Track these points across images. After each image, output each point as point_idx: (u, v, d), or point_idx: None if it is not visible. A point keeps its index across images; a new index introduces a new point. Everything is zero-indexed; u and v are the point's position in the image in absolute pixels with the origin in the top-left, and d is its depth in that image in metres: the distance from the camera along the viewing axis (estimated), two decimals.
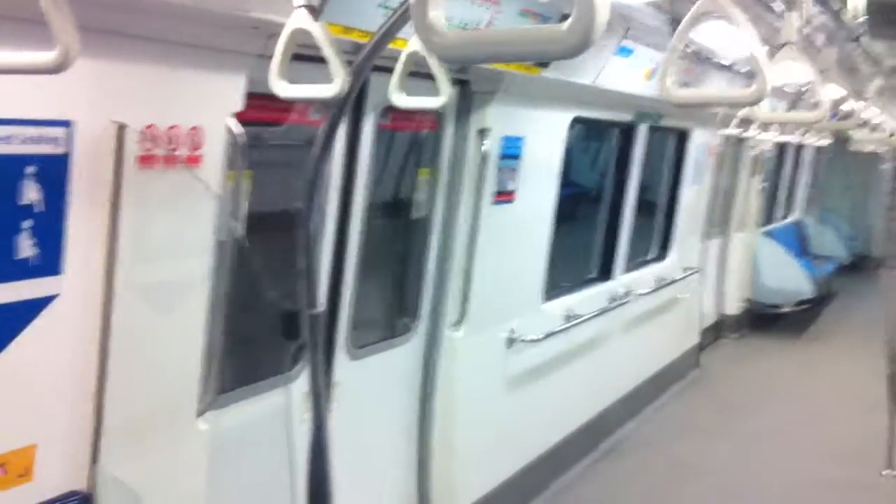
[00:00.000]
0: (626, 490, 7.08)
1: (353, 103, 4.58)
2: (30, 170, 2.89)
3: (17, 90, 2.77)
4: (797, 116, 6.84)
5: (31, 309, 2.97)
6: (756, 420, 8.87)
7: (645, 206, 9.18)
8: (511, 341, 6.19)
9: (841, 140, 14.06)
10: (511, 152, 5.73)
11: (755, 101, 2.60)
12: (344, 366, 4.90)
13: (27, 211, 2.90)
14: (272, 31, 2.78)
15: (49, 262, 3.00)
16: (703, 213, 10.75)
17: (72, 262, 3.05)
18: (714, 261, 11.77)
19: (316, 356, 3.31)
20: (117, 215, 3.15)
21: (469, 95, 5.44)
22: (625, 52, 5.97)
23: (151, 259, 3.36)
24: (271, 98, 2.86)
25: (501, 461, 6.28)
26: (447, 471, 5.69)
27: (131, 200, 3.18)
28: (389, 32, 2.90)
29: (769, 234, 13.27)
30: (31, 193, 2.91)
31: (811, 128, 10.30)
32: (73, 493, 3.18)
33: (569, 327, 6.95)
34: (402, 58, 3.06)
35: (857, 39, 5.81)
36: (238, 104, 3.55)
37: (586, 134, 9.00)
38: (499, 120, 5.51)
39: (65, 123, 2.96)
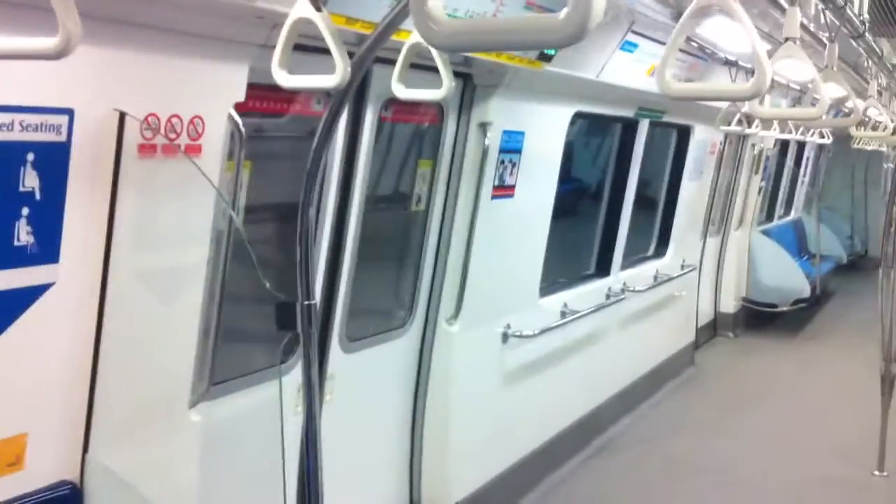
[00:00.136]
0: (619, 486, 7.08)
1: (355, 95, 4.57)
2: (30, 157, 2.87)
3: (18, 77, 2.75)
4: (796, 113, 6.81)
5: (26, 297, 2.95)
6: (751, 418, 8.87)
7: (645, 203, 9.17)
8: (507, 336, 6.17)
9: (843, 138, 14.06)
10: (511, 147, 5.71)
11: (753, 96, 2.59)
12: (338, 358, 4.88)
13: (26, 198, 2.88)
14: (276, 21, 2.76)
15: (46, 250, 2.98)
16: (702, 211, 10.75)
17: (69, 251, 3.04)
18: (711, 258, 11.77)
19: (309, 348, 3.29)
20: (116, 204, 3.14)
21: (471, 89, 5.41)
22: (629, 46, 5.95)
23: (148, 248, 3.34)
24: (273, 88, 2.84)
25: (495, 456, 6.28)
26: (440, 465, 5.68)
27: (130, 189, 3.16)
28: (392, 23, 2.87)
29: (767, 233, 13.27)
30: (30, 181, 2.89)
31: (811, 125, 10.27)
32: (63, 483, 3.17)
33: (565, 323, 6.94)
34: (405, 49, 3.04)
35: (860, 36, 5.78)
36: (240, 94, 3.53)
37: (587, 129, 8.98)
38: (500, 114, 5.49)
39: (66, 111, 2.94)
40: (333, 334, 4.84)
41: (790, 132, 11.06)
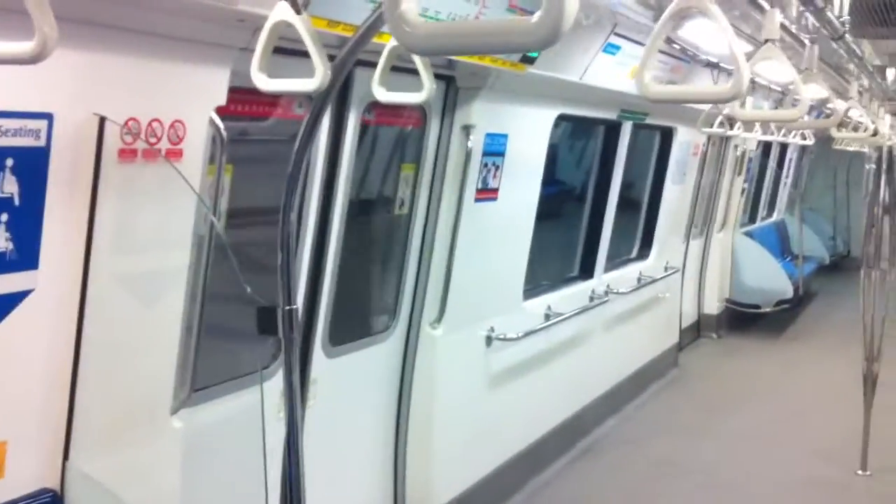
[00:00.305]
0: (604, 488, 7.08)
1: (337, 98, 4.55)
2: (8, 162, 2.84)
3: None
4: (776, 114, 6.84)
5: (5, 304, 2.92)
6: (735, 419, 8.90)
7: (629, 205, 9.18)
8: (490, 339, 6.17)
9: (825, 140, 14.10)
10: (495, 149, 5.71)
11: (732, 98, 2.58)
12: (321, 363, 4.86)
13: (4, 204, 2.85)
14: (257, 24, 2.74)
15: (25, 257, 2.95)
16: (686, 213, 10.77)
17: (48, 257, 3.01)
18: (695, 260, 11.80)
19: (290, 353, 3.27)
20: (96, 209, 3.11)
21: (454, 91, 5.41)
22: (612, 48, 5.95)
23: (129, 254, 3.32)
24: (255, 92, 2.82)
25: (479, 459, 6.27)
26: (424, 469, 5.67)
27: (111, 194, 3.14)
28: (373, 26, 2.86)
29: (750, 234, 13.31)
30: (8, 186, 2.86)
31: (791, 126, 10.31)
32: (44, 491, 3.14)
33: (549, 325, 6.94)
34: (385, 52, 3.03)
35: (841, 38, 5.79)
36: (221, 98, 3.51)
37: (571, 132, 8.98)
38: (483, 117, 5.48)
39: (45, 116, 2.91)
40: (316, 339, 4.82)
41: (772, 134, 11.10)
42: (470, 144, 5.42)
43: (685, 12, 2.51)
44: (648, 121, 8.45)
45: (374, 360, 5.42)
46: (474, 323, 6.03)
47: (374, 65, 3.09)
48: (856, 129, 7.85)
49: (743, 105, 6.38)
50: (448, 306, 5.58)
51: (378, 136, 5.33)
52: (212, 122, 3.50)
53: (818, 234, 16.85)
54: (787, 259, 14.71)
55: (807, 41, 4.84)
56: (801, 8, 4.85)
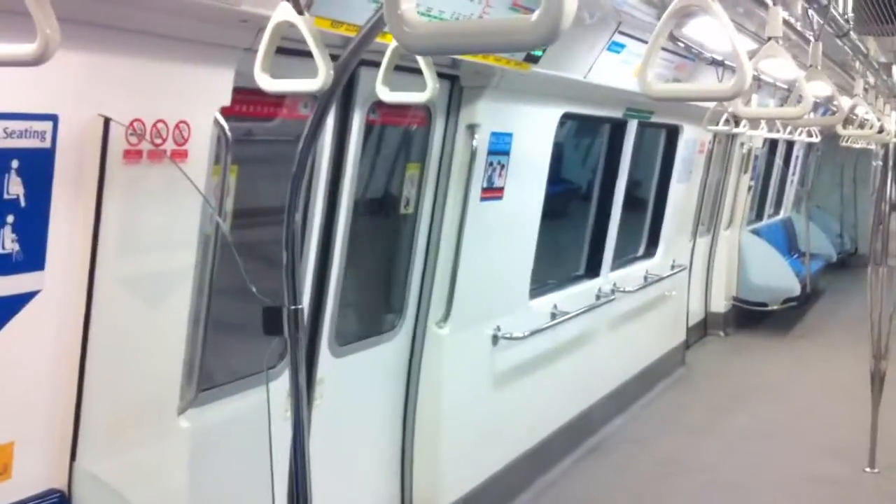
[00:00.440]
0: (611, 487, 7.08)
1: (342, 98, 4.56)
2: (14, 164, 2.85)
3: (1, 84, 2.73)
4: (780, 112, 6.81)
5: (12, 305, 2.94)
6: (742, 417, 8.89)
7: (635, 203, 9.18)
8: (497, 338, 6.17)
9: (832, 137, 14.09)
10: (500, 148, 5.71)
11: (734, 96, 2.58)
12: (328, 362, 4.87)
13: (10, 206, 2.87)
14: (261, 25, 2.75)
15: (32, 258, 2.96)
16: (692, 211, 10.76)
17: (54, 258, 3.02)
18: (701, 258, 11.79)
19: (296, 352, 3.28)
20: (101, 210, 3.12)
21: (458, 91, 5.41)
22: (616, 47, 5.95)
23: (135, 255, 3.33)
24: (260, 92, 2.83)
25: (486, 458, 6.27)
26: (431, 468, 5.67)
27: (116, 195, 3.15)
28: (376, 27, 2.87)
29: (756, 232, 13.29)
30: (14, 188, 2.87)
31: (796, 123, 10.30)
32: (52, 491, 3.15)
33: (555, 324, 6.93)
34: (388, 52, 3.03)
35: (845, 35, 5.79)
36: (225, 99, 3.52)
37: (576, 130, 8.99)
38: (488, 116, 5.48)
39: (50, 117, 2.93)
40: (323, 338, 4.83)
41: (778, 131, 11.08)
42: (475, 143, 5.43)
43: (687, 10, 2.51)
44: (654, 119, 8.44)
45: (381, 359, 5.42)
46: (480, 322, 6.04)
47: (378, 65, 3.10)
48: (862, 126, 7.84)
49: (748, 103, 6.38)
50: (454, 305, 5.58)
51: (383, 136, 5.34)
52: (216, 122, 3.51)
53: (825, 232, 16.83)
54: (795, 257, 14.70)
55: (811, 38, 4.83)
56: (805, 5, 4.86)
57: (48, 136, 2.92)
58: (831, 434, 8.34)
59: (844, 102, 5.91)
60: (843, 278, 16.16)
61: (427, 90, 3.03)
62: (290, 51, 2.78)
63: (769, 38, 3.44)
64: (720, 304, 12.33)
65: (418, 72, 3.05)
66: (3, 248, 2.86)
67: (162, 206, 3.37)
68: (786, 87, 9.04)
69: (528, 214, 6.43)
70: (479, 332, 6.04)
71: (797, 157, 16.45)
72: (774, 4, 3.57)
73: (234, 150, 3.67)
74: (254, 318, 3.42)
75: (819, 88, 4.92)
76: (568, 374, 7.43)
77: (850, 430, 7.94)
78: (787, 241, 15.02)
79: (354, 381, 5.17)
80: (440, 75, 4.24)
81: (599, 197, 8.38)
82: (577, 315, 7.27)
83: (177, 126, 3.31)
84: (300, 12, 2.54)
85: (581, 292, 7.69)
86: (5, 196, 2.84)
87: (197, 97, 3.42)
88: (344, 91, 4.54)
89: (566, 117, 6.71)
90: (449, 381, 5.69)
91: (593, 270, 8.18)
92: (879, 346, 7.71)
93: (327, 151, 4.58)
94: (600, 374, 8.25)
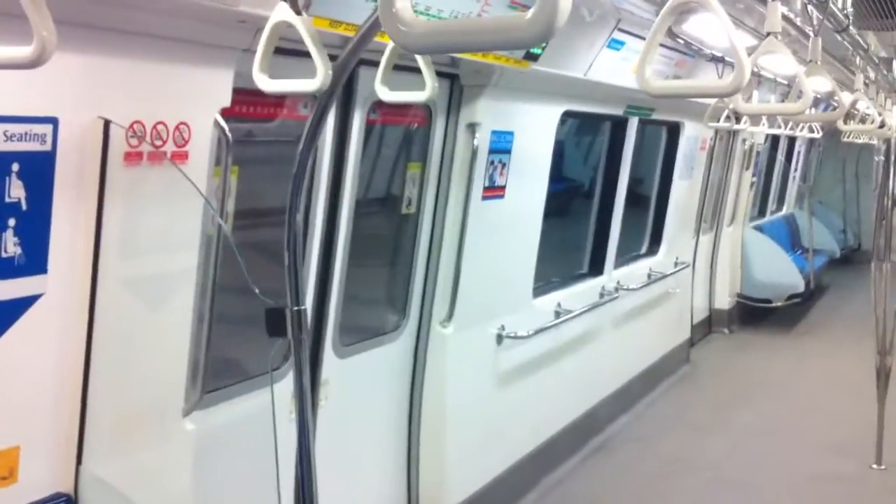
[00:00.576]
0: (617, 485, 7.07)
1: (342, 98, 4.56)
2: (15, 167, 2.85)
3: (1, 87, 2.73)
4: (780, 108, 6.82)
5: (15, 308, 2.93)
6: (748, 415, 8.88)
7: (637, 200, 9.17)
8: (501, 337, 6.16)
9: (834, 132, 14.08)
10: (501, 147, 5.71)
11: (733, 92, 2.58)
12: (332, 363, 4.87)
13: (12, 209, 2.87)
14: (259, 25, 2.75)
15: (34, 261, 2.96)
16: (694, 208, 10.75)
17: (57, 261, 3.02)
18: (705, 255, 11.78)
19: (300, 353, 3.28)
20: (103, 213, 3.12)
21: (459, 90, 5.41)
22: (616, 44, 5.95)
23: (137, 257, 3.33)
24: (260, 93, 2.83)
25: (492, 458, 6.26)
26: (436, 468, 5.67)
27: (117, 197, 3.15)
28: (374, 26, 2.86)
29: (759, 229, 13.28)
30: (15, 191, 2.87)
31: (796, 119, 10.30)
32: (58, 495, 3.15)
33: (559, 323, 6.93)
34: (387, 51, 3.03)
35: (845, 30, 5.79)
36: (225, 100, 3.52)
37: (578, 128, 8.98)
38: (488, 114, 5.48)
39: (50, 120, 2.93)
40: (327, 339, 4.82)
41: (780, 127, 11.08)
42: (476, 142, 5.42)
43: (685, 7, 2.51)
44: (655, 116, 8.43)
45: (385, 359, 5.42)
46: (484, 321, 6.03)
47: (378, 64, 3.10)
48: (863, 121, 7.83)
49: (749, 99, 6.37)
50: (458, 305, 5.58)
51: (383, 136, 5.34)
52: (217, 123, 3.51)
53: (828, 228, 16.82)
54: (798, 253, 14.68)
55: (811, 34, 4.83)
56: (805, 0, 4.85)
57: (48, 139, 2.92)
58: (837, 431, 8.32)
59: (845, 98, 5.92)
60: (846, 274, 16.15)
61: (426, 89, 3.03)
62: (290, 51, 2.78)
63: (768, 34, 3.43)
64: (724, 301, 12.32)
65: (418, 71, 3.05)
66: (6, 251, 2.86)
67: (163, 208, 3.37)
68: (786, 83, 9.04)
69: (530, 213, 6.42)
70: (483, 331, 6.04)
71: (799, 152, 16.43)
72: (773, 0, 3.56)
73: (235, 151, 3.66)
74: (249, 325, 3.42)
75: (819, 84, 4.92)
76: (572, 372, 7.42)
77: (856, 426, 7.93)
78: (790, 238, 15.01)
79: (359, 381, 5.17)
80: (440, 74, 4.24)
81: (602, 195, 8.38)
82: (581, 313, 7.26)
83: (177, 128, 3.31)
84: (298, 12, 2.54)
85: (584, 290, 7.69)
86: (6, 199, 2.84)
87: (197, 98, 3.42)
88: (344, 91, 4.54)
89: (567, 115, 6.70)
90: (453, 380, 5.69)
91: (596, 268, 8.17)
92: (884, 342, 7.70)
93: (328, 152, 4.58)
94: (605, 373, 8.24)
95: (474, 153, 5.43)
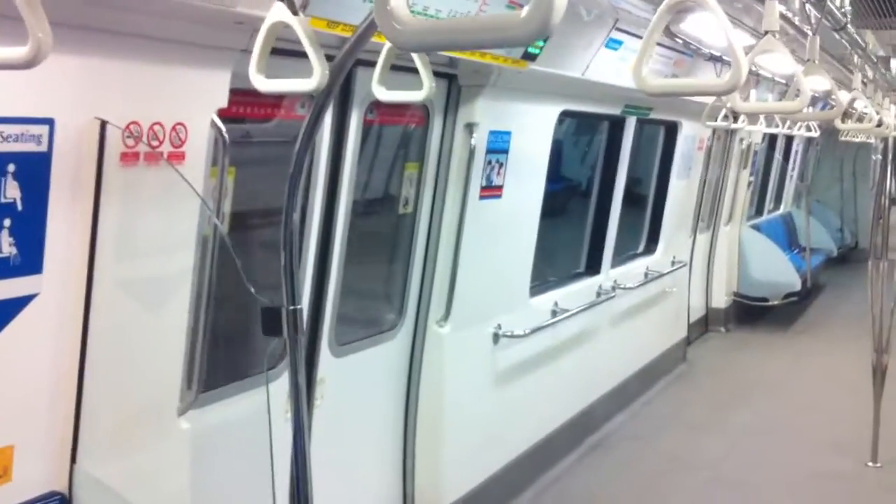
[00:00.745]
0: (613, 484, 7.08)
1: (339, 98, 4.56)
2: (10, 168, 2.85)
3: None
4: (778, 106, 6.81)
5: (10, 308, 2.94)
6: (744, 413, 8.88)
7: (635, 200, 9.17)
8: (498, 337, 6.17)
9: (831, 131, 14.09)
10: (498, 147, 5.71)
11: (730, 90, 2.58)
12: (328, 362, 4.87)
13: (7, 209, 2.87)
14: (256, 26, 2.75)
15: (29, 261, 2.96)
16: (692, 207, 10.75)
17: (52, 261, 3.02)
18: (702, 254, 11.78)
19: (296, 353, 3.28)
20: (99, 213, 3.12)
21: (456, 89, 5.41)
22: (614, 44, 5.95)
23: (133, 257, 3.33)
24: (257, 94, 2.83)
25: (488, 456, 6.27)
26: (433, 467, 5.67)
27: (113, 198, 3.15)
28: (371, 26, 2.86)
29: (757, 228, 13.29)
30: (11, 192, 2.87)
31: (794, 118, 10.30)
32: (52, 494, 3.15)
33: (556, 322, 6.93)
34: (384, 51, 3.03)
35: (842, 28, 5.80)
36: (222, 100, 3.52)
37: (575, 128, 8.97)
38: (486, 114, 5.48)
39: (46, 121, 2.93)
40: (323, 338, 4.83)
41: (777, 126, 11.08)
42: (473, 142, 5.42)
43: (682, 5, 2.51)
44: (653, 115, 8.43)
45: (382, 358, 5.42)
46: (481, 320, 6.04)
47: (375, 65, 3.10)
48: (860, 119, 7.83)
49: (747, 98, 6.38)
50: (454, 304, 5.58)
51: (381, 136, 5.33)
52: (213, 124, 3.51)
53: (825, 226, 16.82)
54: (795, 251, 14.69)
55: (809, 33, 4.84)
56: None
57: (45, 140, 2.92)
58: (833, 429, 8.33)
59: (843, 96, 5.92)
60: (843, 273, 16.16)
61: (423, 89, 3.03)
62: (287, 52, 2.78)
63: (766, 33, 3.43)
64: (721, 300, 12.33)
65: (416, 71, 3.05)
66: (1, 251, 2.86)
67: (160, 209, 3.37)
68: (784, 82, 9.04)
69: (527, 212, 6.43)
70: (480, 330, 6.04)
71: (796, 151, 16.44)
72: None
73: (232, 151, 3.66)
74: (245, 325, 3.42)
75: (817, 83, 4.91)
76: (569, 371, 7.43)
77: (853, 424, 7.94)
78: (787, 236, 15.02)
79: (355, 381, 5.17)
80: (437, 74, 4.25)
81: (599, 194, 8.38)
82: (578, 312, 7.26)
83: (173, 128, 3.31)
84: (295, 13, 2.54)
85: (581, 289, 7.69)
86: (2, 200, 2.84)
87: (193, 99, 3.42)
88: (341, 91, 4.54)
89: (565, 115, 6.70)
90: (450, 379, 5.69)
91: (594, 268, 8.17)
92: (881, 341, 7.70)
93: (325, 152, 4.58)
94: (602, 372, 8.24)
95: (472, 153, 5.43)
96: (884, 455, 7.43)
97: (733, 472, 7.37)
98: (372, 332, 5.40)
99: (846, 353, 10.35)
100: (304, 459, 3.28)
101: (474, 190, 5.56)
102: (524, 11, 1.35)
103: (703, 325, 12.10)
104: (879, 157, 9.79)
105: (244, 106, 3.99)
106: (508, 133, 5.79)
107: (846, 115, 7.16)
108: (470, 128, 5.42)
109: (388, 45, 3.03)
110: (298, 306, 3.23)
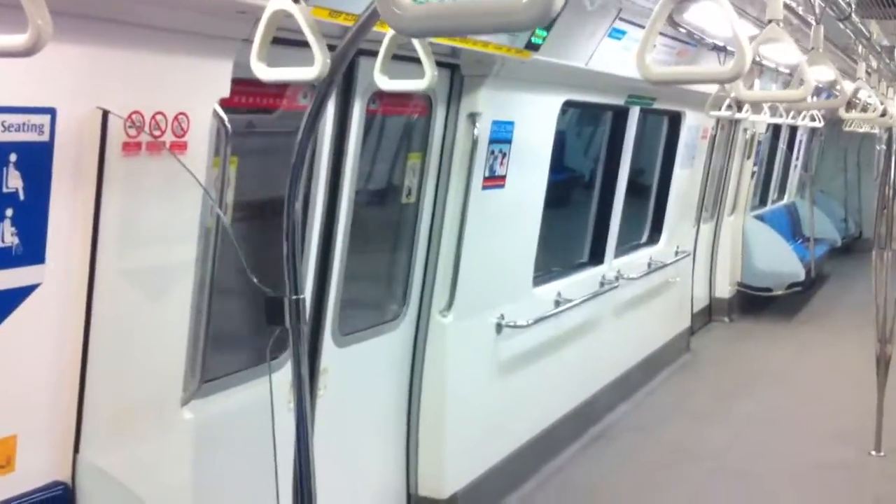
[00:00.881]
0: (616, 474, 7.08)
1: (342, 88, 4.55)
2: (12, 157, 2.85)
3: (0, 78, 2.73)
4: (781, 95, 6.80)
5: (13, 298, 2.94)
6: (748, 403, 8.88)
7: (638, 190, 9.16)
8: (501, 327, 6.16)
9: (835, 121, 14.05)
10: (501, 137, 5.70)
11: (733, 78, 2.57)
12: (331, 352, 4.87)
13: (9, 199, 2.87)
14: (258, 15, 2.74)
15: (31, 251, 2.96)
16: (695, 197, 10.74)
17: (55, 251, 3.02)
18: (705, 244, 11.77)
19: (298, 343, 3.28)
20: (101, 203, 3.12)
21: (459, 79, 5.40)
22: (617, 34, 5.94)
23: (136, 247, 3.33)
24: (259, 83, 2.83)
25: (491, 447, 6.27)
26: (436, 457, 5.68)
27: (115, 188, 3.15)
28: (374, 15, 2.85)
29: (760, 217, 13.27)
30: (13, 181, 2.87)
31: (798, 107, 10.28)
32: (55, 484, 3.16)
33: (559, 312, 6.92)
34: (386, 40, 3.02)
35: (847, 18, 5.78)
36: (224, 90, 3.51)
37: (579, 118, 8.96)
38: (489, 104, 5.47)
39: (48, 111, 2.92)
40: (326, 328, 4.83)
41: (781, 116, 11.06)
42: (476, 132, 5.42)
43: None
44: (656, 105, 8.42)
45: (385, 348, 5.42)
46: (484, 310, 6.03)
47: (378, 54, 3.09)
48: (864, 109, 7.82)
49: (750, 87, 6.36)
50: (457, 294, 5.58)
51: (384, 126, 5.33)
52: (216, 114, 3.51)
53: (829, 217, 16.80)
54: (799, 242, 14.68)
55: (813, 22, 4.82)
56: None
57: (46, 130, 2.92)
58: (837, 419, 8.33)
59: (847, 86, 5.90)
60: (847, 263, 16.14)
61: (426, 77, 3.02)
62: (290, 41, 2.77)
63: (770, 21, 3.42)
64: (724, 290, 12.32)
65: (418, 61, 3.04)
66: (3, 241, 2.86)
67: (162, 199, 3.37)
68: (788, 72, 9.02)
69: (530, 202, 6.42)
70: (483, 320, 6.04)
71: (800, 142, 16.41)
72: None
73: (235, 141, 3.66)
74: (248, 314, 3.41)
75: (821, 73, 4.90)
76: (572, 361, 7.42)
77: (856, 414, 7.94)
78: (791, 227, 15.00)
79: (358, 370, 5.17)
80: (440, 64, 4.24)
81: (602, 184, 8.37)
82: (581, 302, 7.26)
83: (175, 118, 3.31)
84: (297, 1, 2.54)
85: (585, 279, 7.68)
86: (4, 190, 2.84)
87: (196, 89, 3.42)
88: (344, 81, 4.53)
89: (568, 105, 6.69)
90: (453, 369, 5.69)
91: (597, 257, 8.17)
92: (884, 330, 7.70)
93: (328, 142, 4.57)
94: (605, 362, 8.24)
95: (475, 143, 5.42)
96: (887, 444, 7.43)
97: (737, 463, 7.37)
98: (375, 322, 5.40)
99: (850, 343, 10.35)
100: (307, 450, 3.28)
101: (477, 180, 5.55)
102: None
103: (707, 315, 12.09)
104: (883, 146, 9.76)
105: (247, 96, 3.98)
106: (511, 123, 5.78)
107: (850, 105, 7.15)
108: (473, 118, 5.41)
109: (390, 33, 3.02)
110: (301, 296, 3.23)
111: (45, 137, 2.92)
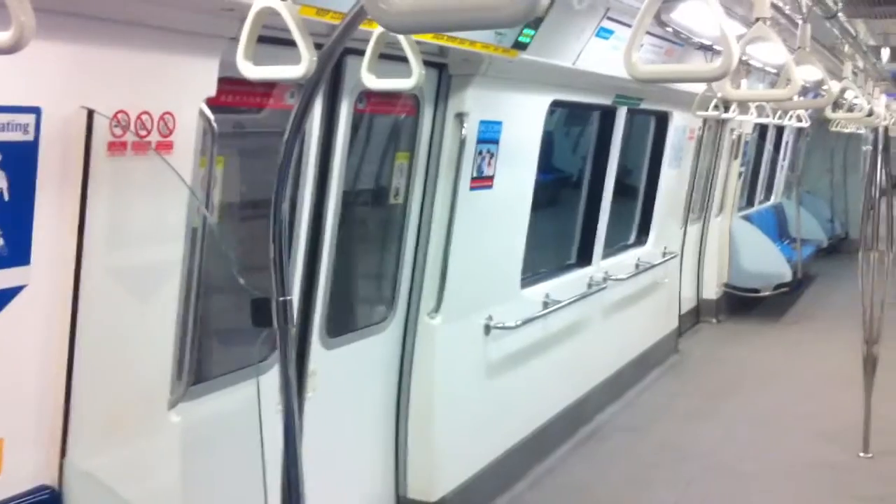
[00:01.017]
0: (607, 474, 7.07)
1: (329, 87, 4.53)
2: None
3: None
4: (767, 94, 6.80)
5: None
6: (736, 403, 8.89)
7: (626, 191, 9.16)
8: (489, 328, 6.15)
9: (821, 122, 14.09)
10: (489, 137, 5.68)
11: (720, 76, 2.56)
12: (319, 354, 4.84)
13: None
14: (245, 14, 2.72)
15: (16, 253, 2.93)
16: (683, 198, 10.75)
17: (40, 252, 2.99)
18: (693, 245, 11.79)
19: (286, 344, 3.25)
20: (87, 203, 3.09)
21: (447, 79, 5.38)
22: (605, 33, 5.93)
23: (122, 248, 3.30)
24: (246, 83, 2.80)
25: (481, 448, 6.25)
26: (426, 459, 5.66)
27: (101, 188, 3.12)
28: (360, 14, 2.83)
29: (747, 218, 13.29)
30: None
31: (784, 106, 10.29)
32: (42, 488, 3.13)
33: (547, 313, 6.91)
34: (373, 38, 3.00)
35: (833, 17, 5.79)
36: (211, 89, 3.49)
37: (566, 118, 8.96)
38: (477, 104, 5.45)
39: (33, 110, 2.89)
40: (314, 330, 4.80)
41: (768, 116, 11.07)
42: (464, 132, 5.40)
43: None
44: (643, 106, 8.42)
45: (373, 350, 5.40)
46: (472, 312, 6.02)
47: (365, 53, 3.07)
48: (851, 109, 7.83)
49: (737, 86, 6.35)
50: (446, 295, 5.56)
51: (371, 126, 5.31)
52: (202, 113, 3.48)
53: (816, 217, 16.83)
54: (786, 242, 14.70)
55: (799, 21, 4.82)
56: None
57: (31, 129, 2.89)
58: (825, 419, 8.34)
59: (833, 86, 5.91)
60: (834, 263, 16.18)
61: (413, 76, 3.00)
62: (278, 40, 2.75)
63: (757, 19, 3.41)
64: (712, 291, 12.33)
65: (405, 60, 3.02)
66: None
67: (148, 199, 3.34)
68: (775, 72, 9.03)
69: (518, 203, 6.41)
70: (471, 321, 6.02)
71: (787, 142, 16.44)
72: None
73: (221, 141, 3.63)
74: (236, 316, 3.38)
75: (808, 72, 4.90)
76: (561, 362, 7.41)
77: (844, 415, 7.94)
78: (777, 227, 15.02)
79: (346, 372, 5.15)
80: (427, 63, 4.22)
81: (590, 185, 8.37)
82: (570, 303, 7.25)
83: (161, 117, 3.28)
84: None
85: (573, 281, 7.68)
86: None
87: (182, 88, 3.39)
88: (331, 80, 4.51)
89: (555, 105, 6.68)
90: (442, 371, 5.67)
91: (585, 259, 8.16)
92: (871, 331, 7.70)
93: (315, 142, 4.55)
94: (594, 363, 8.23)
95: (462, 143, 5.40)
96: (875, 446, 7.43)
97: (726, 462, 7.37)
98: (363, 324, 5.37)
99: (837, 343, 10.36)
100: (296, 452, 3.26)
101: (465, 180, 5.54)
102: None
103: (695, 316, 12.11)
104: (870, 147, 9.78)
105: (233, 95, 3.95)
106: (499, 123, 5.77)
107: (836, 105, 7.15)
108: (460, 117, 5.40)
109: (377, 31, 3.00)
110: (288, 297, 3.20)
111: (30, 137, 2.89)
